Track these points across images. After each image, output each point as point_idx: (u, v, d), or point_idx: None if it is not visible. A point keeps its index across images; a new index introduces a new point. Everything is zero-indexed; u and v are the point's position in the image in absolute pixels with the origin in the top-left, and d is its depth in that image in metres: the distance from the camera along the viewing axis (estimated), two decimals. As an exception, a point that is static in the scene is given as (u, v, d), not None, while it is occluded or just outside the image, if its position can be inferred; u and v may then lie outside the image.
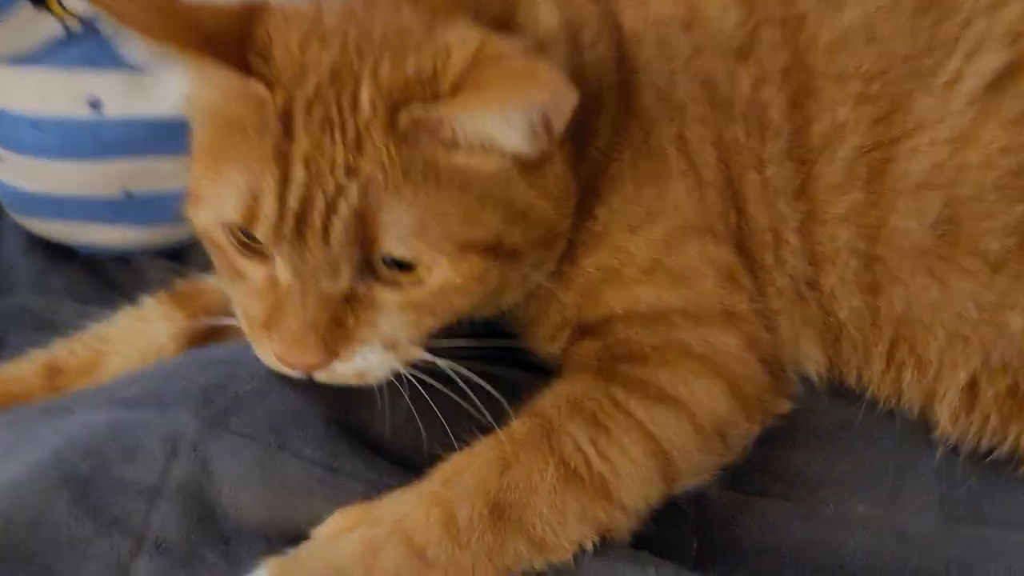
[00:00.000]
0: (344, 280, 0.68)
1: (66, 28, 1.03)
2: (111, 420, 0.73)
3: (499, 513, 0.67)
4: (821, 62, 0.83)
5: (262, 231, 0.67)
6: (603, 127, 0.82)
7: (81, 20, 1.04)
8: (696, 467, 0.76)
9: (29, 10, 1.01)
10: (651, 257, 0.80)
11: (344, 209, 0.65)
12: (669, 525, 0.75)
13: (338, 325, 0.68)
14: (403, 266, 0.68)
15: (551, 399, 0.74)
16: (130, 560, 0.65)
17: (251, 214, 0.67)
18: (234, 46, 0.68)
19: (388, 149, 0.65)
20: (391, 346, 0.71)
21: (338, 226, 0.66)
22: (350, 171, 0.66)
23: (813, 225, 0.84)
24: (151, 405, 0.74)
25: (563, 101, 0.66)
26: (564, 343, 0.83)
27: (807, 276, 0.85)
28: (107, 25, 1.02)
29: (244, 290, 0.72)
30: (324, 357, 0.68)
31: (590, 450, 0.70)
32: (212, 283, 0.97)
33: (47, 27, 1.03)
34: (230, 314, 0.94)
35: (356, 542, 0.65)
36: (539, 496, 0.67)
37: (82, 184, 1.07)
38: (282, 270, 0.69)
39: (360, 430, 0.75)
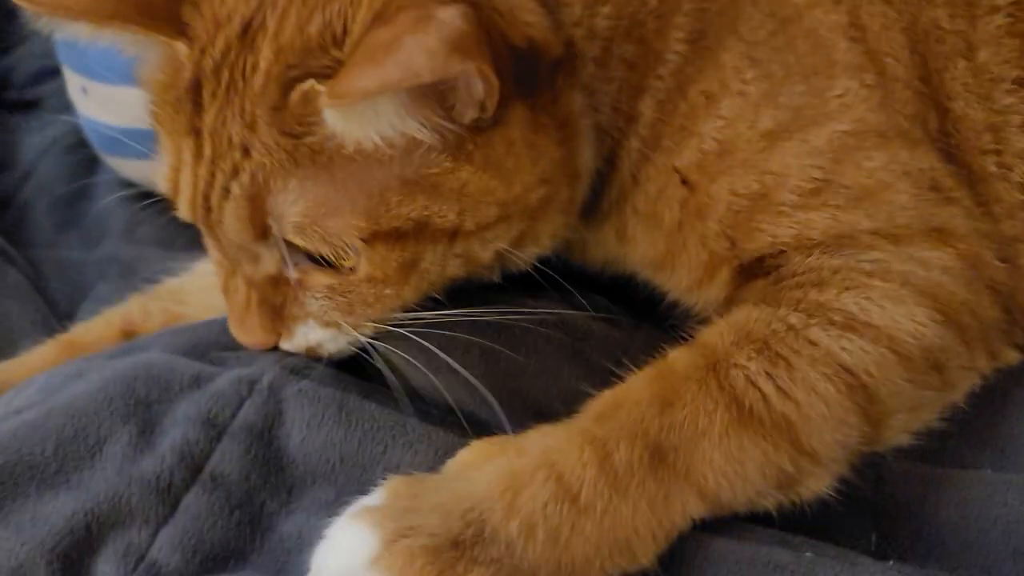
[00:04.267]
0: (268, 266, 0.67)
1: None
2: (191, 365, 0.71)
3: (661, 458, 0.58)
4: None
5: (182, 209, 0.68)
6: (670, 46, 0.71)
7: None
8: (908, 402, 0.65)
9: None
10: (812, 176, 0.69)
11: (236, 191, 0.63)
12: (841, 515, 0.64)
13: (271, 305, 0.68)
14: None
15: (713, 328, 0.66)
16: (182, 490, 0.63)
17: (174, 188, 0.68)
18: (168, 2, 0.65)
19: (273, 132, 0.61)
20: (331, 325, 0.69)
21: (229, 210, 0.64)
22: (245, 150, 0.62)
23: None
24: (232, 359, 0.72)
25: (436, 75, 0.56)
26: (725, 287, 0.72)
27: None
28: None
29: (213, 258, 0.72)
30: (266, 338, 0.69)
31: (767, 386, 0.61)
32: None
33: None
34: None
35: (495, 474, 0.58)
36: (709, 441, 0.59)
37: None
38: (217, 249, 0.69)
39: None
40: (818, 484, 0.62)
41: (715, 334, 0.64)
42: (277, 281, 0.68)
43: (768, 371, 0.61)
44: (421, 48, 0.54)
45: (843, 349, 0.62)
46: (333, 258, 0.64)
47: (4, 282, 1.02)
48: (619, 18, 0.70)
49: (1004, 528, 0.65)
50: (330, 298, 0.67)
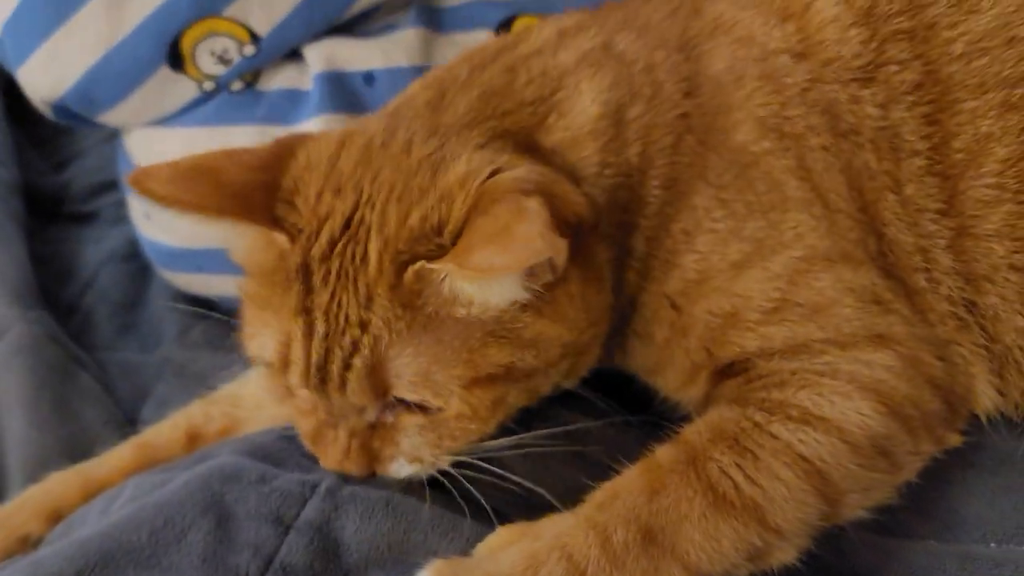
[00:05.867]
0: (370, 416, 0.77)
1: (201, 89, 1.14)
2: (257, 465, 0.81)
3: (651, 538, 0.69)
4: (958, 73, 0.82)
5: (293, 379, 0.77)
6: (650, 192, 0.83)
7: (216, 81, 1.14)
8: (860, 484, 0.75)
9: (167, 72, 1.12)
10: (772, 297, 0.80)
11: (358, 364, 0.73)
12: None
13: (368, 447, 0.78)
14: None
15: (693, 427, 0.76)
16: None
17: (284, 361, 0.76)
18: (263, 197, 0.77)
19: (394, 306, 0.73)
20: (416, 460, 0.79)
21: (353, 379, 0.74)
22: (363, 326, 0.73)
23: (965, 241, 0.82)
24: (292, 464, 0.83)
25: (551, 253, 0.70)
26: (704, 387, 0.83)
27: (965, 297, 0.83)
28: (238, 83, 1.15)
29: (294, 407, 0.81)
30: (361, 474, 0.79)
31: (737, 475, 0.71)
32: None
33: (184, 89, 1.14)
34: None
35: (518, 555, 0.69)
36: (690, 523, 0.70)
37: (217, 237, 1.16)
38: (318, 407, 0.78)
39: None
40: (784, 556, 0.72)
41: (694, 432, 0.75)
42: (375, 426, 0.78)
43: (738, 463, 0.72)
44: (534, 234, 0.67)
45: (800, 441, 0.73)
46: (437, 404, 0.75)
47: (77, 385, 1.10)
48: (615, 176, 0.83)
49: (944, 591, 0.74)
50: (421, 435, 0.77)
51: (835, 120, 0.84)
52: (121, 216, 1.36)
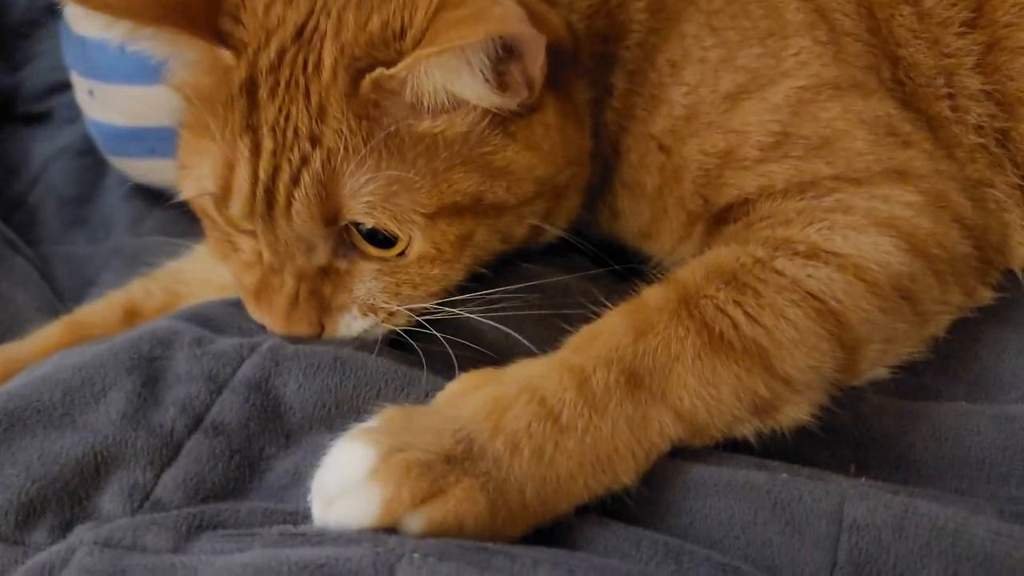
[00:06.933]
0: (321, 257, 0.70)
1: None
2: (194, 329, 0.73)
3: (637, 382, 0.60)
4: None
5: (236, 206, 0.69)
6: (633, 18, 0.76)
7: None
8: (881, 331, 0.66)
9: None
10: (772, 131, 0.72)
11: (307, 179, 0.66)
12: (820, 445, 0.66)
13: (318, 294, 0.70)
14: (386, 242, 0.68)
15: (685, 267, 0.68)
16: (185, 436, 0.64)
17: (226, 189, 0.68)
18: (206, 10, 0.68)
19: (348, 118, 0.65)
20: (370, 310, 0.71)
21: (301, 199, 0.66)
22: (313, 139, 0.66)
23: (997, 57, 0.74)
24: (234, 330, 0.75)
25: (524, 37, 0.64)
26: (701, 240, 0.75)
27: (996, 126, 0.75)
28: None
29: (237, 261, 0.73)
30: (312, 328, 0.71)
31: (736, 313, 0.62)
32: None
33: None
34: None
35: (482, 399, 0.60)
36: (682, 365, 0.61)
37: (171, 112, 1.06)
38: (263, 246, 0.70)
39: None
40: (796, 411, 0.63)
41: (687, 271, 0.66)
42: (327, 271, 0.70)
43: (736, 299, 0.63)
44: (509, 12, 0.62)
45: (809, 276, 0.64)
46: (397, 232, 0.67)
47: (10, 269, 1.03)
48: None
49: (979, 455, 0.66)
50: (378, 279, 0.69)
51: None
52: (76, 115, 1.26)
